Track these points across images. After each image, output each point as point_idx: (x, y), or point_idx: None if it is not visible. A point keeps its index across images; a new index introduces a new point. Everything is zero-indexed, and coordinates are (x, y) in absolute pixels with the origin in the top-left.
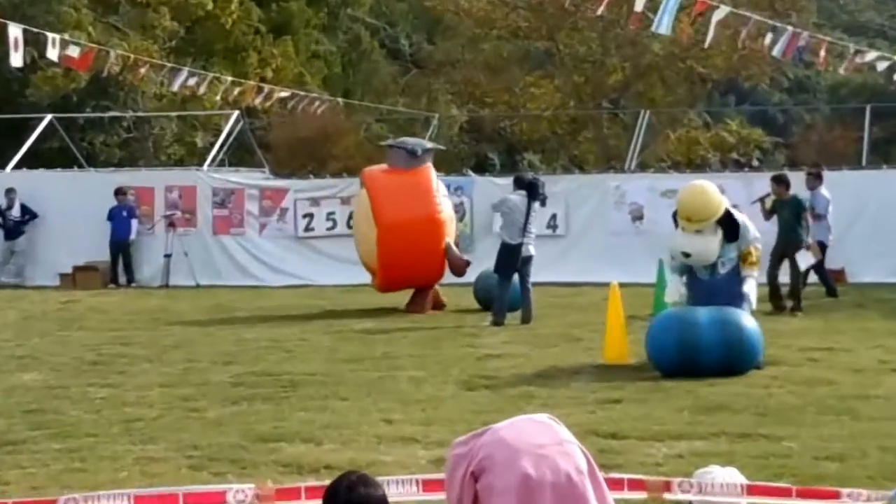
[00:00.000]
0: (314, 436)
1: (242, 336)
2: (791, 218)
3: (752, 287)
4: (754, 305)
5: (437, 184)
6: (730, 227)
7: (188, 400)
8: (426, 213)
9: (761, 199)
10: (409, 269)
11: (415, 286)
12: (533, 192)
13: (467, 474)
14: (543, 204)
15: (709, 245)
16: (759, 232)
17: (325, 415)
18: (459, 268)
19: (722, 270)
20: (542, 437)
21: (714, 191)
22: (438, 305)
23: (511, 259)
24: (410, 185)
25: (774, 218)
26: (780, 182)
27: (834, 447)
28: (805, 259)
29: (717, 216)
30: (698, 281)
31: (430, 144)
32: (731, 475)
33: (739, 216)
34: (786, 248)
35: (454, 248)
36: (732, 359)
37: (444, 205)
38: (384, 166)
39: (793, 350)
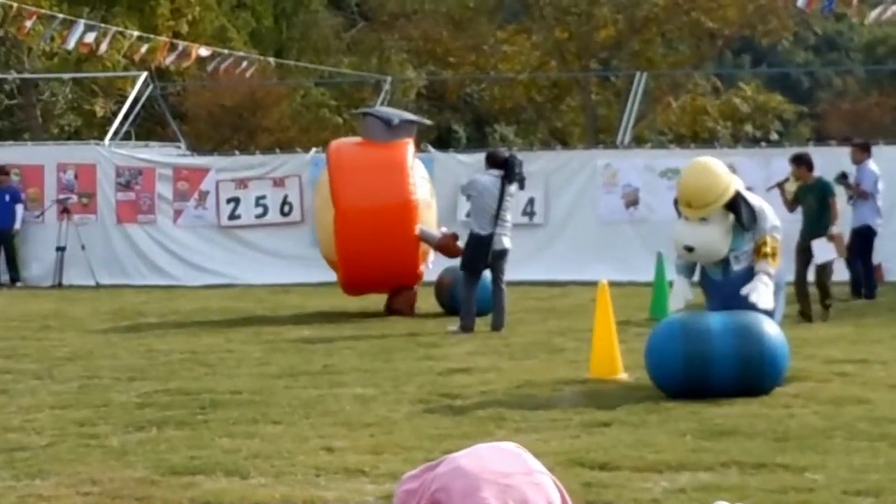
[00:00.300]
0: (239, 467)
1: (152, 347)
2: (817, 205)
3: (760, 285)
4: (770, 306)
5: (415, 164)
6: (742, 212)
7: (85, 424)
8: (397, 196)
9: (780, 185)
10: (376, 263)
11: (386, 288)
12: (509, 172)
13: None
14: (522, 187)
15: (715, 236)
16: (783, 222)
17: (253, 442)
18: (448, 247)
19: (736, 267)
20: (508, 465)
21: (720, 169)
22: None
23: (480, 253)
24: (381, 162)
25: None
26: (801, 163)
27: (867, 479)
28: (823, 251)
29: (724, 200)
30: (710, 282)
31: (412, 116)
32: None
33: (755, 200)
34: (811, 241)
35: (427, 230)
36: (751, 375)
37: (421, 188)
38: (357, 139)
39: (818, 362)
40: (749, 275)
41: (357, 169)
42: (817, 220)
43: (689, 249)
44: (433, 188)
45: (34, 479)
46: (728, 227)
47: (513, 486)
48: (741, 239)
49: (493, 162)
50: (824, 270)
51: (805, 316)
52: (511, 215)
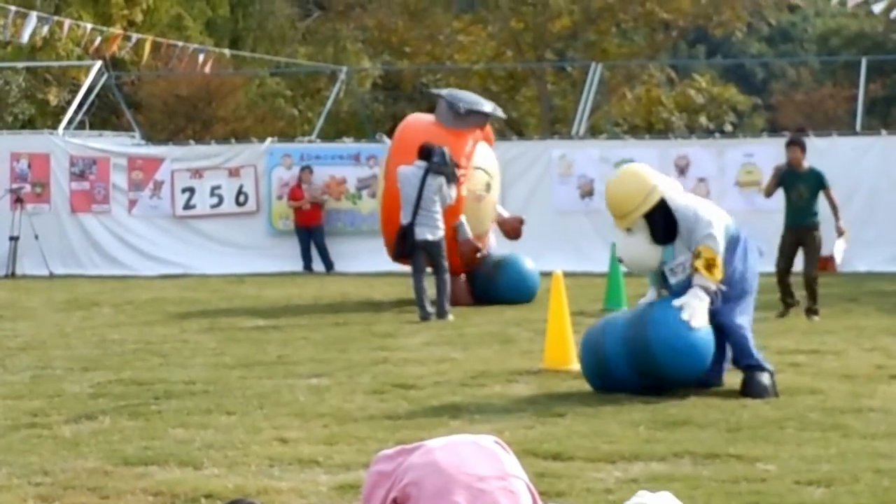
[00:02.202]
0: (193, 458)
1: (106, 337)
2: (808, 195)
3: (692, 301)
4: (702, 324)
5: (479, 154)
6: (660, 224)
7: (37, 415)
8: None
9: (778, 172)
10: None
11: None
12: (430, 163)
13: (388, 499)
14: (450, 180)
15: (640, 248)
16: (764, 210)
17: (207, 432)
18: (466, 254)
19: (672, 280)
20: (485, 467)
21: (642, 178)
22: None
23: (400, 242)
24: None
25: (779, 197)
26: (798, 146)
27: (819, 469)
28: (840, 249)
29: (643, 210)
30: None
31: (487, 108)
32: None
33: (690, 206)
34: (802, 235)
35: (464, 226)
36: (643, 376)
37: (475, 180)
38: (431, 117)
39: (771, 353)
40: (688, 288)
41: (413, 148)
42: (807, 210)
43: (620, 261)
44: (494, 182)
45: None
46: (648, 238)
47: (486, 492)
48: (668, 250)
49: (420, 153)
50: (815, 261)
51: (788, 305)
52: (438, 207)
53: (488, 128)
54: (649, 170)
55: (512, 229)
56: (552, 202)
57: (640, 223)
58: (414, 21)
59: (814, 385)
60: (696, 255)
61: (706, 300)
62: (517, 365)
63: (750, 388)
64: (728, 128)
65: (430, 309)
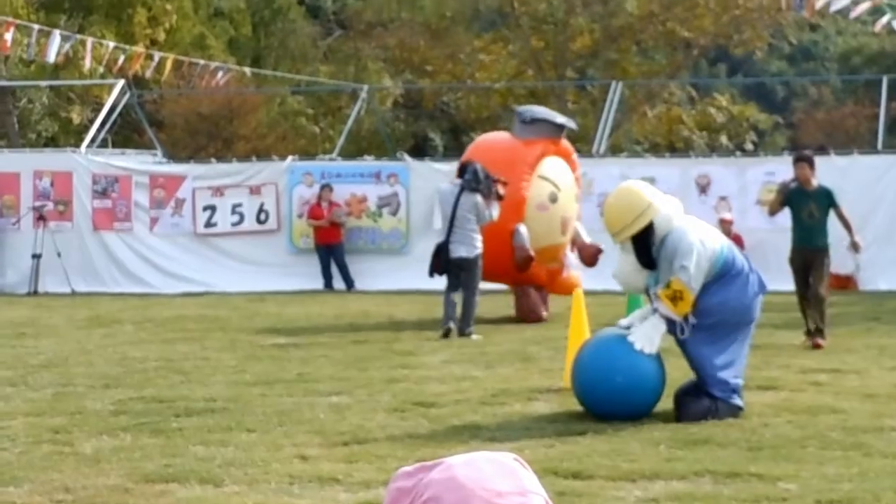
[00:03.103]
0: (213, 475)
1: (127, 354)
2: (819, 214)
3: (646, 326)
4: (650, 351)
5: (548, 167)
6: (645, 248)
7: (59, 432)
8: (507, 192)
9: (784, 189)
10: (489, 253)
11: (510, 281)
12: (465, 180)
13: None
14: (486, 195)
15: (627, 266)
16: (786, 228)
17: (228, 450)
18: (521, 260)
19: (657, 304)
20: (503, 482)
21: (635, 195)
22: (539, 317)
23: (435, 259)
24: (503, 157)
25: (785, 215)
26: (807, 164)
27: (841, 489)
28: (858, 264)
29: (633, 230)
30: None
31: (555, 117)
32: None
33: (678, 229)
34: (811, 257)
35: (522, 235)
36: (585, 402)
37: (538, 191)
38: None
39: (792, 371)
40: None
41: (480, 160)
42: (818, 231)
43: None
44: (562, 195)
45: (8, 487)
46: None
47: None
48: (658, 275)
49: (459, 171)
50: (824, 277)
51: (812, 333)
52: (473, 225)
53: (568, 145)
54: (648, 189)
55: (589, 256)
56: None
57: (629, 243)
58: (435, 40)
59: (835, 404)
60: (666, 285)
61: (662, 329)
62: (537, 383)
63: (683, 410)
64: (749, 146)
65: (452, 325)
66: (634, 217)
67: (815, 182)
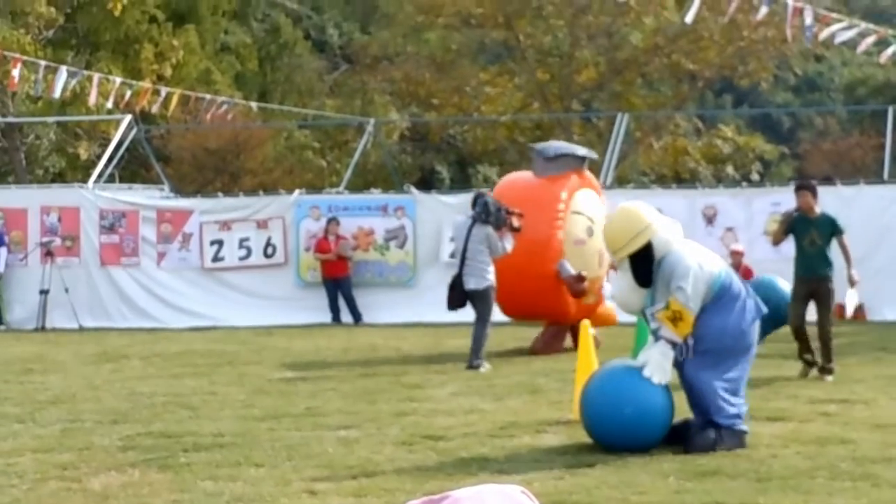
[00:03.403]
0: None
1: (135, 389)
2: (821, 242)
3: (654, 355)
4: (662, 381)
5: (577, 200)
6: (642, 267)
7: (67, 468)
8: (539, 232)
9: (787, 217)
10: (523, 295)
11: (538, 318)
12: (476, 211)
13: None
14: (497, 226)
15: (623, 286)
16: (775, 257)
17: (236, 485)
18: (575, 289)
19: (653, 325)
20: None
21: (633, 215)
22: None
23: (451, 292)
24: (532, 196)
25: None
26: (809, 192)
27: None
28: (852, 300)
29: (630, 249)
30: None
31: (577, 150)
32: None
33: (675, 251)
34: (814, 286)
35: (566, 266)
36: (594, 434)
37: (575, 225)
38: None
39: (801, 402)
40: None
41: (509, 200)
42: (820, 259)
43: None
44: (598, 226)
45: None
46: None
47: None
48: (653, 295)
49: (472, 203)
50: (828, 311)
51: (809, 364)
52: (485, 257)
53: (592, 176)
54: (647, 209)
55: (570, 288)
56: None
57: (626, 263)
58: (441, 73)
59: (844, 435)
60: (666, 307)
61: (670, 355)
62: (546, 415)
63: (690, 442)
64: (755, 177)
65: (479, 360)
66: (633, 236)
67: (818, 210)
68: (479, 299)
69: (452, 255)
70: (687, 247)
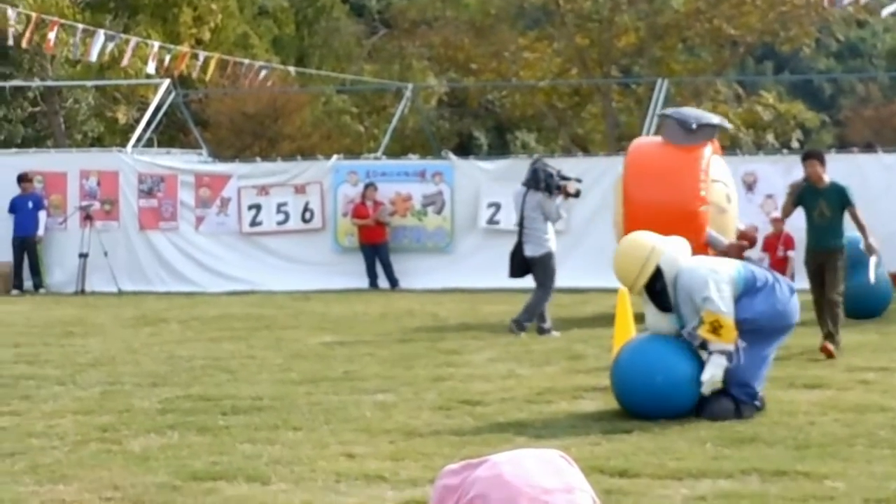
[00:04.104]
0: (260, 473)
1: (174, 353)
2: (831, 214)
3: (714, 370)
4: (706, 390)
5: (714, 167)
6: (657, 293)
7: (107, 430)
8: (684, 202)
9: (795, 188)
10: None
11: None
12: (529, 179)
13: None
14: (550, 192)
15: (651, 314)
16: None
17: (274, 448)
18: (731, 256)
19: (698, 343)
20: (550, 479)
21: (635, 246)
22: None
23: (511, 260)
24: (673, 166)
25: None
26: (817, 160)
27: (889, 487)
28: (872, 267)
29: (642, 283)
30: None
31: (714, 119)
32: None
33: (687, 268)
34: (824, 259)
35: (716, 236)
36: (624, 403)
37: (715, 193)
38: (657, 139)
39: (839, 370)
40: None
41: (649, 170)
42: (831, 231)
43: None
44: (732, 192)
45: (57, 484)
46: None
47: None
48: (681, 316)
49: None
50: (837, 282)
51: (832, 339)
52: (541, 223)
53: (716, 141)
54: (648, 235)
55: (752, 239)
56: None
57: (645, 294)
58: (479, 38)
59: (883, 402)
60: (701, 322)
61: (723, 363)
62: (583, 381)
63: (706, 407)
64: (795, 144)
65: (548, 324)
66: (641, 265)
67: (826, 179)
68: (538, 266)
69: (489, 222)
70: (695, 260)
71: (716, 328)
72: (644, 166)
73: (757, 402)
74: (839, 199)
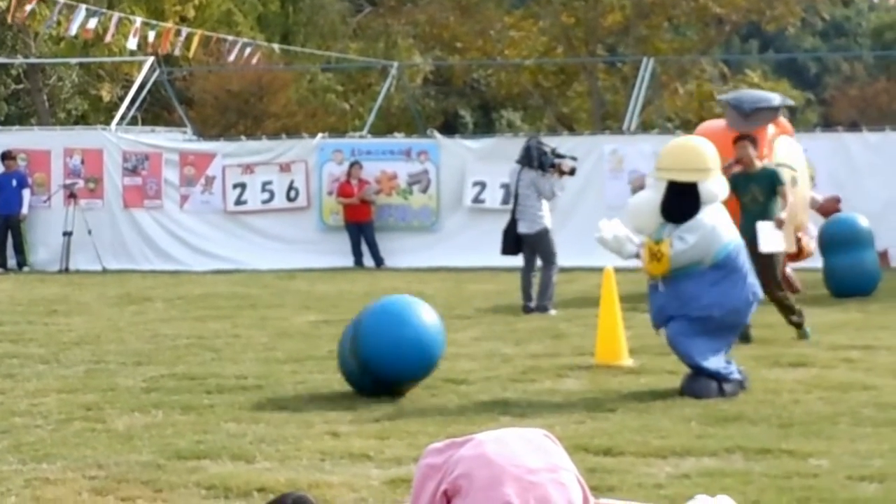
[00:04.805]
0: (245, 452)
1: (158, 331)
2: (763, 198)
3: (618, 233)
4: (602, 235)
5: (777, 152)
6: (675, 200)
7: (91, 409)
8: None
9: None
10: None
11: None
12: (522, 156)
13: (438, 492)
14: (544, 168)
15: (645, 204)
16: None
17: (259, 427)
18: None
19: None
20: (534, 459)
21: (712, 153)
22: (793, 289)
23: (504, 237)
24: (729, 152)
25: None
26: (749, 142)
27: (872, 465)
28: (769, 238)
29: (684, 176)
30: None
31: (773, 101)
32: None
33: (708, 206)
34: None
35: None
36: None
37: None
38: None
39: (823, 348)
40: (684, 277)
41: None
42: (762, 216)
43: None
44: (800, 175)
45: (41, 463)
46: (657, 205)
47: (536, 484)
48: (663, 231)
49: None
50: (775, 277)
51: (796, 324)
52: (535, 201)
53: (786, 122)
54: (717, 161)
55: (832, 210)
56: (604, 197)
57: (663, 185)
58: (465, 16)
59: (867, 381)
60: (657, 241)
61: (630, 251)
62: (568, 360)
63: (687, 385)
64: None
65: (531, 303)
66: (692, 168)
67: (758, 164)
68: (533, 243)
69: (473, 201)
70: (717, 208)
71: (655, 257)
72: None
73: (737, 375)
74: (770, 183)
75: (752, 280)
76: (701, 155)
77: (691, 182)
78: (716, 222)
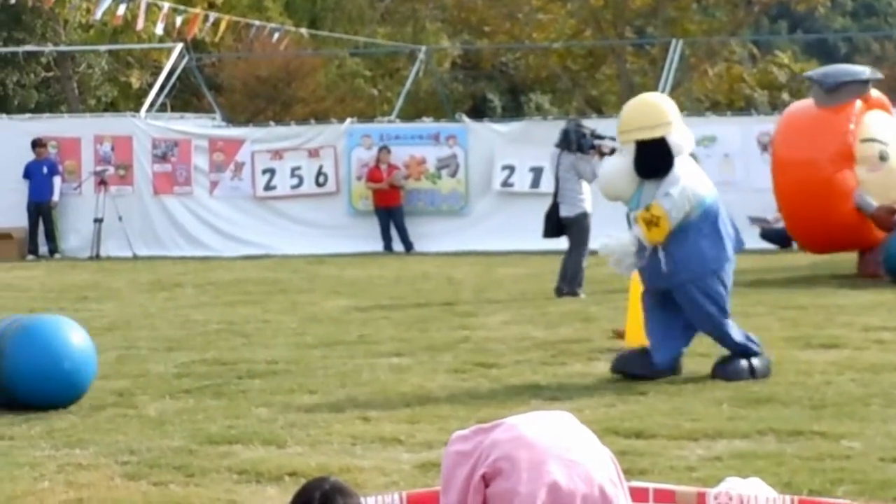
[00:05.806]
0: (276, 437)
1: (189, 317)
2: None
3: (615, 244)
4: (611, 262)
5: (866, 127)
6: (648, 156)
7: (123, 394)
8: (825, 164)
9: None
10: (817, 225)
11: (848, 249)
12: (561, 140)
13: (475, 476)
14: (584, 151)
15: (617, 170)
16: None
17: (290, 412)
18: (882, 221)
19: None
20: (568, 438)
21: (667, 106)
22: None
23: (546, 221)
24: (817, 127)
25: None
26: None
27: None
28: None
29: (647, 134)
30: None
31: (864, 73)
32: (756, 488)
33: (680, 165)
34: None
35: (864, 197)
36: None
37: (865, 153)
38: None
39: (856, 329)
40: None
41: (796, 131)
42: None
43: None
44: (890, 150)
45: (73, 449)
46: (629, 166)
47: (577, 462)
48: (639, 196)
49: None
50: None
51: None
52: (575, 184)
53: (881, 95)
54: (674, 111)
55: (880, 219)
56: None
57: (632, 147)
58: (493, 0)
59: None
60: (646, 209)
61: (632, 250)
62: (598, 343)
63: (719, 368)
64: None
65: (566, 287)
66: (656, 124)
67: None
68: (571, 226)
69: (503, 185)
70: (688, 164)
71: (652, 223)
72: (791, 127)
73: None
74: None
75: (735, 233)
76: (660, 109)
77: (658, 138)
78: (691, 180)
